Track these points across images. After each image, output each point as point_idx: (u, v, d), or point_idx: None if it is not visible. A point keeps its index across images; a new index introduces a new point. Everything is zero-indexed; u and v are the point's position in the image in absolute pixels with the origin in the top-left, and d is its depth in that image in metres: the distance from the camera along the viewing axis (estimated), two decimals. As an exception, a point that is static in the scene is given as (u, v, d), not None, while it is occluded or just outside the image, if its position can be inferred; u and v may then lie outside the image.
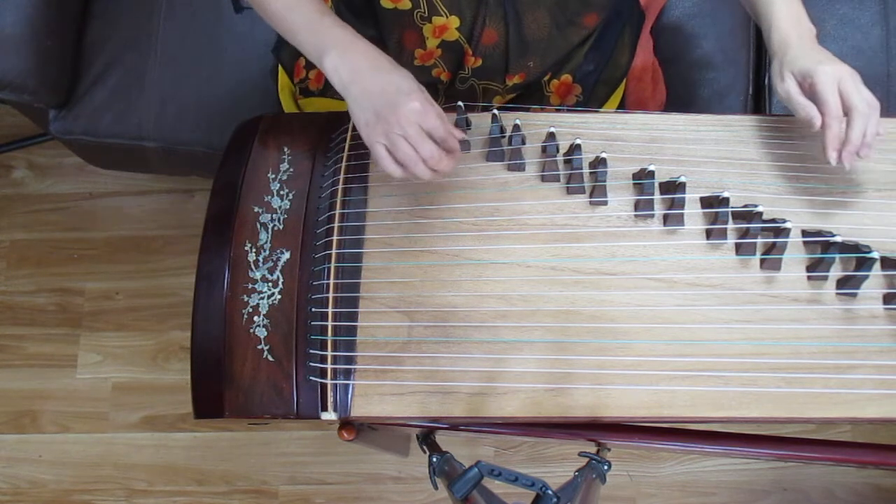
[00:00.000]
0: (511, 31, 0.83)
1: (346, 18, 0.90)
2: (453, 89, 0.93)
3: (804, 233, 0.74)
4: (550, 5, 0.82)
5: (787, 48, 0.75)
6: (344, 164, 0.77)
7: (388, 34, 0.87)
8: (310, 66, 0.96)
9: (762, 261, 0.72)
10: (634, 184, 0.77)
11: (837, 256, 0.71)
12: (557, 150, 0.78)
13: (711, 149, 0.79)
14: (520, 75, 0.91)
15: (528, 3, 0.81)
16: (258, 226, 0.75)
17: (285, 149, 0.79)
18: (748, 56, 1.18)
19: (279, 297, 0.72)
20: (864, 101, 0.71)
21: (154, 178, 1.61)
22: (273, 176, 0.78)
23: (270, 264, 0.73)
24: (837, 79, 0.71)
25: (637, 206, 0.75)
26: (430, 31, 0.84)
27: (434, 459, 0.73)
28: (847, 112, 0.71)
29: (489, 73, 0.90)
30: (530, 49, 0.87)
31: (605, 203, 0.75)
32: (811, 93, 0.73)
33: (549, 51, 0.89)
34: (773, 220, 0.72)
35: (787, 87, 0.75)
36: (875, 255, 0.69)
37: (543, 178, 0.77)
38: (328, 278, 0.72)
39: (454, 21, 0.82)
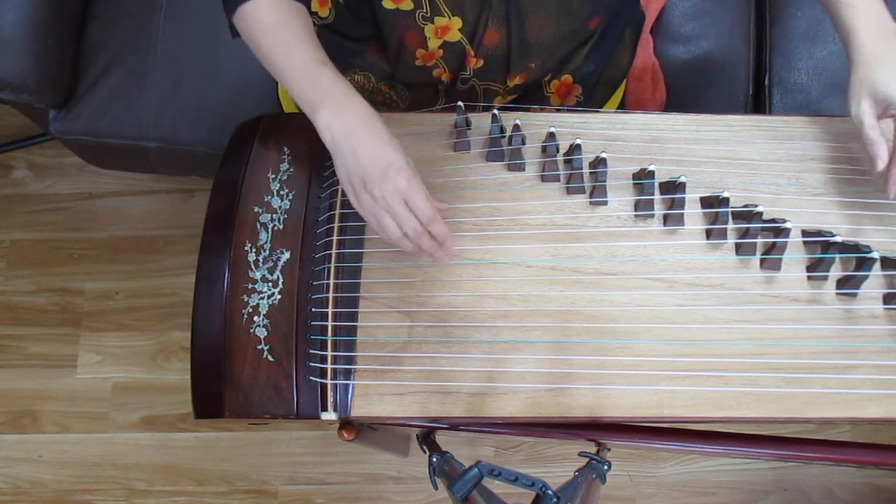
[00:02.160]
0: (513, 32, 0.83)
1: (344, 19, 0.90)
2: (454, 90, 0.93)
3: (804, 233, 0.74)
4: (554, 8, 0.82)
5: (868, 62, 0.67)
6: (344, 164, 0.77)
7: (389, 34, 0.86)
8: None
9: (762, 261, 0.72)
10: (634, 184, 0.77)
11: (837, 256, 0.71)
12: (557, 150, 0.78)
13: (711, 149, 0.79)
14: (521, 76, 0.91)
15: (532, 5, 0.81)
16: (258, 226, 0.75)
17: (285, 149, 0.79)
18: (748, 56, 1.18)
19: (279, 297, 0.72)
20: None
21: (154, 178, 1.61)
22: (273, 176, 0.78)
23: (270, 264, 0.73)
24: None
25: (637, 206, 0.75)
26: (432, 32, 0.84)
27: (434, 459, 0.73)
28: None
29: (490, 73, 0.90)
30: (532, 51, 0.87)
31: (605, 203, 0.75)
32: (889, 121, 0.68)
33: (550, 53, 0.89)
34: (773, 220, 0.72)
35: (861, 114, 0.69)
36: (875, 255, 0.69)
37: (543, 178, 0.77)
38: (328, 278, 0.72)
39: (456, 22, 0.82)
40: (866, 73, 0.69)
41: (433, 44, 0.85)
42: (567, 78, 0.95)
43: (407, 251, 0.69)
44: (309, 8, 0.76)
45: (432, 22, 0.82)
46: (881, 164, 0.69)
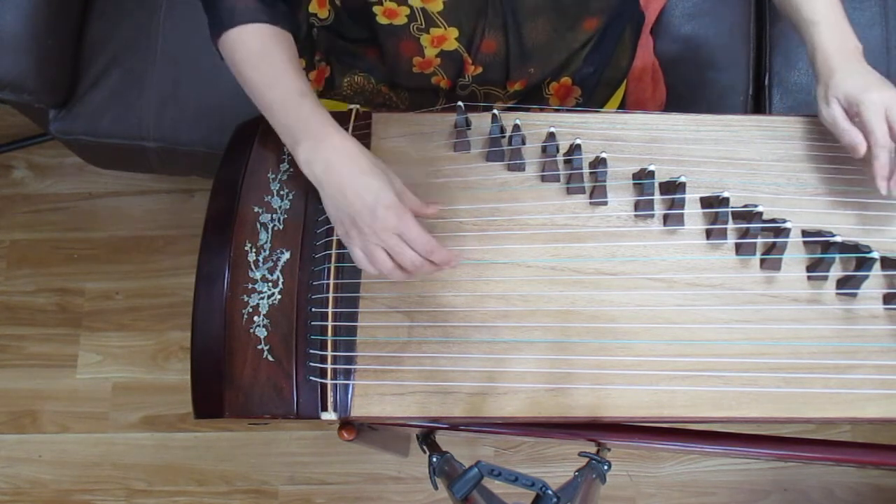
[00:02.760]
0: (511, 40, 0.83)
1: (343, 21, 0.90)
2: (454, 95, 0.92)
3: (804, 233, 0.74)
4: (550, 13, 0.82)
5: (831, 71, 0.72)
6: (344, 164, 0.77)
7: (385, 43, 0.86)
8: (309, 67, 0.96)
9: (762, 261, 0.72)
10: (634, 184, 0.77)
11: (837, 256, 0.71)
12: (557, 150, 0.78)
13: (711, 149, 0.79)
14: (521, 82, 0.90)
15: (528, 11, 0.81)
16: (258, 226, 0.75)
17: (285, 149, 0.79)
18: (748, 56, 1.18)
19: (279, 297, 0.72)
20: None
21: (154, 178, 1.61)
22: (273, 176, 0.78)
23: (270, 264, 0.73)
24: (886, 106, 0.69)
25: (637, 206, 0.75)
26: (429, 42, 0.83)
27: (434, 459, 0.73)
28: None
29: (490, 80, 0.90)
30: (531, 57, 0.86)
31: (606, 203, 0.75)
32: (858, 120, 0.71)
33: (549, 57, 0.89)
34: (773, 220, 0.72)
35: (832, 112, 0.73)
36: (875, 255, 0.69)
37: (543, 178, 0.77)
38: (328, 278, 0.72)
39: (453, 32, 0.82)
40: (829, 79, 0.73)
41: (430, 52, 0.85)
42: (566, 80, 0.95)
43: (398, 280, 0.67)
44: (298, 30, 0.75)
45: (428, 32, 0.82)
46: (861, 148, 0.71)
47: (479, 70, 0.88)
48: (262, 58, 0.70)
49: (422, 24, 0.81)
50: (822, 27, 0.74)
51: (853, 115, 0.71)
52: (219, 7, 0.71)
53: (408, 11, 0.79)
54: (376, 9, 0.80)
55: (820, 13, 0.75)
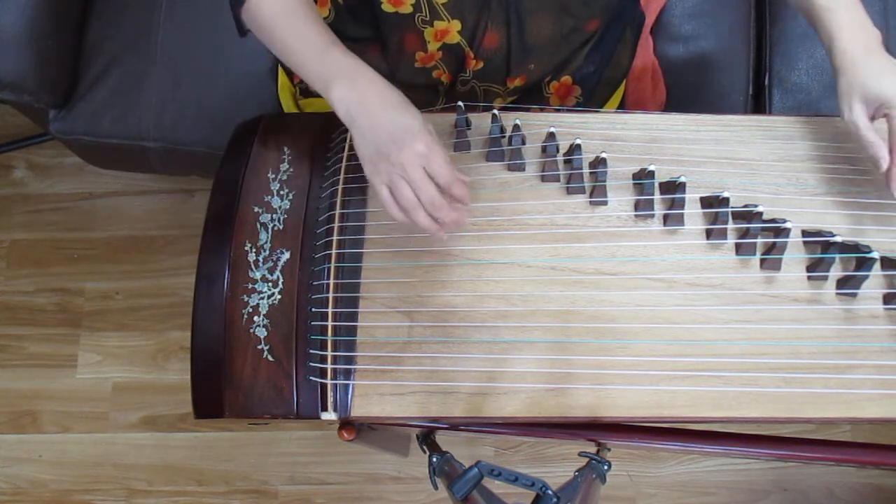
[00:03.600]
0: (513, 34, 0.83)
1: (344, 19, 0.90)
2: (454, 91, 0.93)
3: (804, 233, 0.74)
4: (553, 10, 0.82)
5: (854, 64, 0.68)
6: (344, 164, 0.77)
7: (388, 36, 0.86)
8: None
9: (762, 261, 0.72)
10: (634, 184, 0.77)
11: (837, 256, 0.71)
12: (557, 150, 0.78)
13: (711, 149, 0.79)
14: (521, 78, 0.91)
15: (531, 7, 0.81)
16: (258, 226, 0.75)
17: (285, 149, 0.79)
18: (748, 56, 1.18)
19: (279, 297, 0.72)
20: None
21: (154, 178, 1.61)
22: (273, 176, 0.78)
23: (270, 264, 0.73)
24: None
25: (637, 206, 0.75)
26: (432, 35, 0.84)
27: (434, 459, 0.73)
28: None
29: (490, 75, 0.90)
30: (532, 53, 0.87)
31: (606, 203, 0.75)
32: (887, 125, 0.68)
33: (550, 54, 0.89)
34: (773, 220, 0.72)
35: (855, 118, 0.69)
36: (875, 255, 0.69)
37: (543, 178, 0.77)
38: (328, 278, 0.72)
39: (456, 25, 0.82)
40: (853, 77, 0.69)
41: (432, 46, 0.85)
42: (566, 79, 0.95)
43: (419, 225, 0.66)
44: None
45: (431, 25, 0.82)
46: (884, 164, 0.69)
47: (481, 65, 0.88)
48: (285, 16, 0.72)
49: (426, 17, 0.81)
50: (840, 14, 0.71)
51: (879, 115, 0.69)
52: None
53: (413, 0, 0.79)
54: None
55: None
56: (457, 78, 0.91)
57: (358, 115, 0.67)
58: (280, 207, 0.76)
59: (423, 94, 0.94)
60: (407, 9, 0.81)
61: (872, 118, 0.70)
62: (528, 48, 0.86)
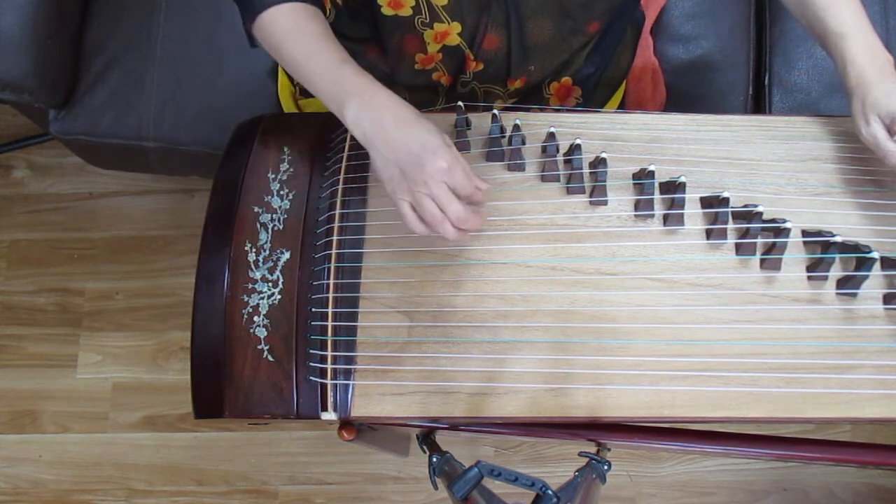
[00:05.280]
0: (513, 37, 0.83)
1: (343, 20, 0.90)
2: (454, 92, 0.92)
3: (804, 233, 0.74)
4: (554, 12, 0.82)
5: (868, 86, 0.71)
6: (344, 164, 0.77)
7: (388, 38, 0.86)
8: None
9: (762, 261, 0.72)
10: (634, 184, 0.77)
11: (837, 256, 0.71)
12: (557, 150, 0.78)
13: (711, 149, 0.79)
14: (521, 80, 0.91)
15: (531, 10, 0.81)
16: (258, 226, 0.75)
17: (285, 149, 0.79)
18: (748, 56, 1.18)
19: (279, 297, 0.72)
20: None
21: (154, 178, 1.61)
22: (273, 176, 0.78)
23: (270, 264, 0.73)
24: None
25: (637, 206, 0.75)
26: (432, 37, 0.84)
27: (434, 459, 0.73)
28: None
29: (491, 77, 0.90)
30: (532, 54, 0.87)
31: (605, 203, 0.75)
32: None
33: (550, 56, 0.89)
34: (773, 220, 0.72)
35: (873, 132, 0.71)
36: (875, 255, 0.69)
37: (543, 178, 0.77)
38: (328, 278, 0.72)
39: (456, 27, 0.82)
40: (866, 95, 0.71)
41: (432, 48, 0.85)
42: (567, 80, 0.95)
43: (446, 237, 0.66)
44: (324, 11, 0.76)
45: (431, 27, 0.82)
46: None
47: (481, 67, 0.88)
48: (298, 33, 0.72)
49: (426, 19, 0.81)
50: (853, 40, 0.73)
51: (892, 130, 0.71)
52: None
53: (413, 3, 0.79)
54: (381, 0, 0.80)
55: (849, 25, 0.73)
56: (457, 79, 0.90)
57: (374, 136, 0.67)
58: (280, 207, 0.76)
59: (423, 95, 0.94)
60: (406, 11, 0.81)
61: (889, 137, 0.72)
62: (528, 50, 0.86)
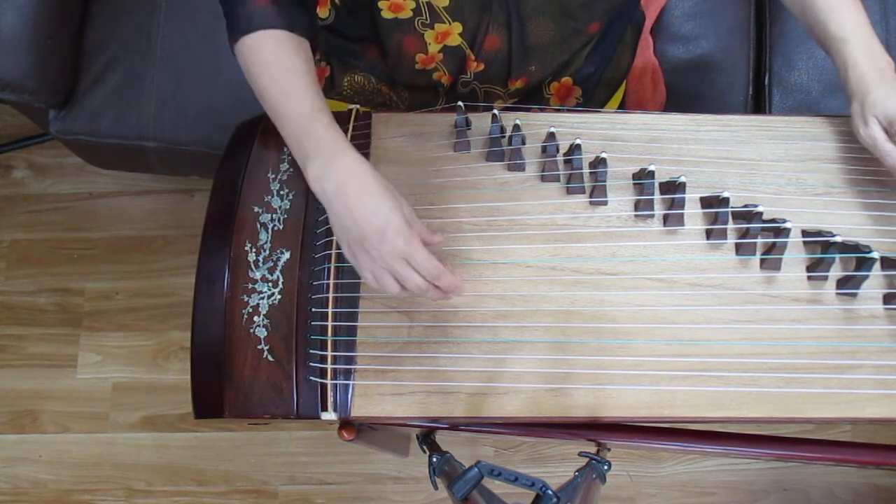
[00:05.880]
0: (514, 37, 0.83)
1: (344, 21, 0.90)
2: (454, 92, 0.92)
3: (804, 233, 0.74)
4: (554, 13, 0.82)
5: (867, 88, 0.72)
6: (344, 164, 0.77)
7: (387, 40, 0.86)
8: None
9: (762, 261, 0.72)
10: (634, 184, 0.77)
11: (837, 256, 0.71)
12: (557, 150, 0.78)
13: (711, 149, 0.79)
14: (522, 80, 0.91)
15: (532, 10, 0.81)
16: (258, 226, 0.75)
17: (285, 149, 0.79)
18: (748, 56, 1.18)
19: (279, 297, 0.72)
20: None
21: (154, 178, 1.61)
22: (273, 176, 0.78)
23: (270, 264, 0.73)
24: None
25: (637, 206, 0.75)
26: (432, 37, 0.84)
27: (434, 459, 0.73)
28: None
29: (491, 77, 0.90)
30: (533, 55, 0.87)
31: (605, 203, 0.75)
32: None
33: (551, 56, 0.89)
34: (773, 220, 0.72)
35: (871, 133, 0.72)
36: (875, 255, 0.69)
37: (543, 178, 0.77)
38: (328, 278, 0.72)
39: (457, 27, 0.82)
40: (866, 97, 0.72)
41: (433, 48, 0.85)
42: (567, 80, 0.95)
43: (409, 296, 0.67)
44: (316, 36, 0.74)
45: (432, 28, 0.82)
46: None
47: (481, 67, 0.88)
48: (277, 68, 0.69)
49: (426, 20, 0.81)
50: (854, 44, 0.73)
51: (892, 133, 0.71)
52: (237, 12, 0.70)
53: (413, 5, 0.79)
54: (381, 3, 0.80)
55: (849, 30, 0.74)
56: (457, 79, 0.90)
57: (334, 200, 0.65)
58: (280, 207, 0.76)
59: (424, 95, 0.94)
60: (407, 14, 0.81)
61: (889, 138, 0.72)
62: (528, 50, 0.86)
